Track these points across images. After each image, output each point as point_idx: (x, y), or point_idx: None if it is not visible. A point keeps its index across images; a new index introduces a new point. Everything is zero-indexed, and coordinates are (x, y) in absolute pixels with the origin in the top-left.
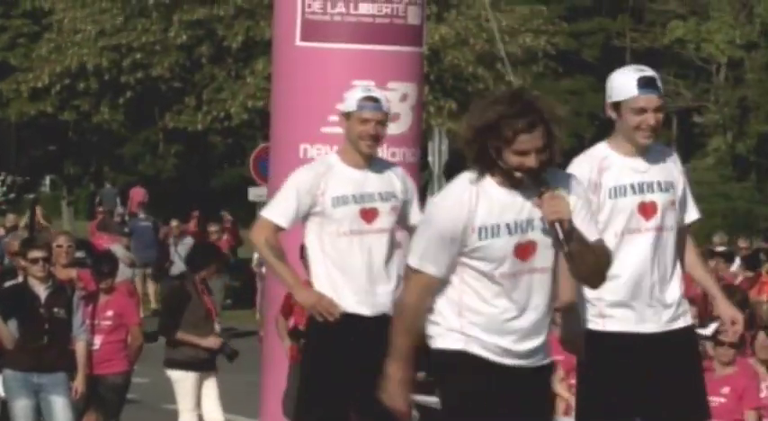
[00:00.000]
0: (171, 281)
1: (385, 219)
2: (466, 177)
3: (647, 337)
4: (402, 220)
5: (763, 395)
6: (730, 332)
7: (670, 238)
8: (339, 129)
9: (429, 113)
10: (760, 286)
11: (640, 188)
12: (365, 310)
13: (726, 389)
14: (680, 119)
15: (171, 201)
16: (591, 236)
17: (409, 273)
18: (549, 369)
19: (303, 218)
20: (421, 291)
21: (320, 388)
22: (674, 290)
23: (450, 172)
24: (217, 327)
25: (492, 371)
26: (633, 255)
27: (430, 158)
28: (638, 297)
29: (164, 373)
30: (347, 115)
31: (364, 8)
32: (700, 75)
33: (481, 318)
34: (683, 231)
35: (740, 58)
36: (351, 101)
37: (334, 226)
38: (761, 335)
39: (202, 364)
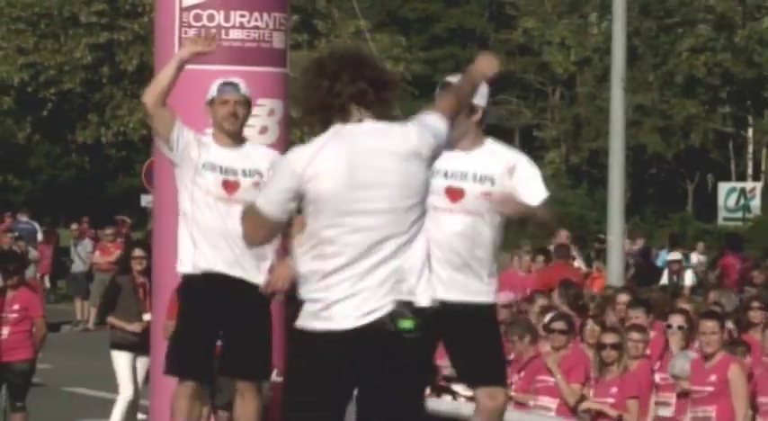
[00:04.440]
0: (72, 277)
1: (245, 193)
2: None
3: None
4: None
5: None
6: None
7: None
8: None
9: (303, 131)
10: (591, 281)
11: (452, 175)
12: (222, 268)
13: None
14: (521, 134)
15: (66, 207)
16: None
17: None
18: None
19: (181, 156)
20: None
21: (187, 341)
22: (483, 268)
23: None
24: (146, 317)
25: None
26: (442, 229)
27: None
28: (444, 265)
29: (65, 360)
30: (210, 102)
31: (234, 34)
32: (538, 96)
33: None
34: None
35: (574, 73)
36: (212, 89)
37: (201, 188)
38: (589, 322)
39: (132, 346)
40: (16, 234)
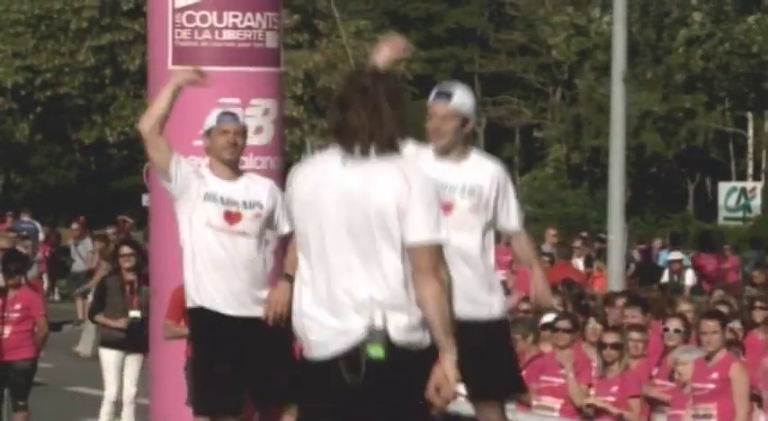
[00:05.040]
0: (73, 277)
1: (248, 224)
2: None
3: None
4: (273, 228)
5: (593, 374)
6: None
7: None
8: None
9: (303, 131)
10: (592, 280)
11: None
12: (222, 307)
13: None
14: (522, 134)
15: (68, 206)
16: None
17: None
18: None
19: (180, 189)
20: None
21: (212, 381)
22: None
23: None
24: (132, 314)
25: None
26: None
27: None
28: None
29: (66, 359)
30: (209, 132)
31: (227, 34)
32: (539, 95)
33: None
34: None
35: (574, 73)
36: (211, 119)
37: (202, 220)
38: (591, 321)
39: (120, 343)
40: (24, 233)
